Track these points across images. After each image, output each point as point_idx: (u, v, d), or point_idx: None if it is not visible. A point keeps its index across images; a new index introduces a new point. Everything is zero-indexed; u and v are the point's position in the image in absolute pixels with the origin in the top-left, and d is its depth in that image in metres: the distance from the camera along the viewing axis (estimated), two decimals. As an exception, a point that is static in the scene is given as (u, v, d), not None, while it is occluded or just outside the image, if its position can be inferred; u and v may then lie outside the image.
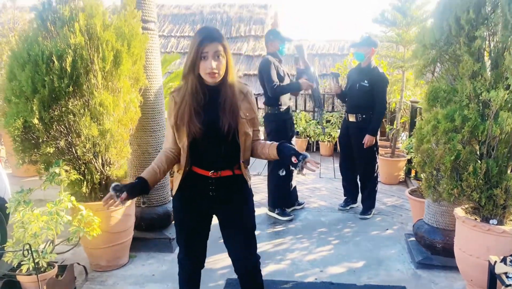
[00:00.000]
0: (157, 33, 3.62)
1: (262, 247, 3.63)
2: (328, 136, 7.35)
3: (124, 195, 1.84)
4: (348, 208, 4.60)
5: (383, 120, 5.43)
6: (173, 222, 3.00)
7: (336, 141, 7.35)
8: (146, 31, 3.35)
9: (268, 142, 2.08)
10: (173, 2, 12.67)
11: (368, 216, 4.35)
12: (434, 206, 3.25)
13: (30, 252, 2.51)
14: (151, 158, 3.41)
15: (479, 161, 2.55)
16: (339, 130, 7.12)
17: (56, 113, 2.81)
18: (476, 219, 2.68)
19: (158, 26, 3.73)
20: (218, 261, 3.23)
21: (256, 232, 3.87)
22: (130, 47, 3.03)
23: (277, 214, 4.32)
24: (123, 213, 3.11)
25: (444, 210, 3.20)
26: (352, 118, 4.32)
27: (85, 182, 3.00)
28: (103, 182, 3.10)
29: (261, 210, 4.59)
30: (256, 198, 4.99)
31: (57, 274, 2.70)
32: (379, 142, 4.54)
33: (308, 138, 7.65)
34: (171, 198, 3.28)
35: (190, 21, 11.65)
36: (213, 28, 1.93)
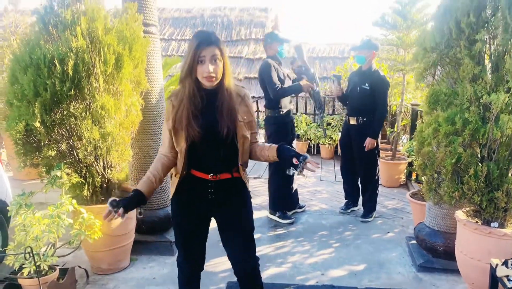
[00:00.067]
0: (158, 37, 3.63)
1: (263, 250, 3.63)
2: (329, 139, 7.35)
3: (120, 210, 1.84)
4: (349, 211, 4.60)
5: (384, 123, 5.42)
6: (173, 225, 3.00)
7: (337, 144, 7.35)
8: (147, 34, 3.36)
9: (266, 144, 2.09)
10: (174, 6, 12.70)
11: (369, 219, 4.35)
12: (435, 209, 3.25)
13: (31, 255, 2.51)
14: (152, 160, 3.40)
15: (480, 164, 2.56)
16: (339, 133, 7.16)
17: (57, 116, 2.82)
18: (477, 222, 2.68)
19: (159, 30, 3.74)
20: (219, 264, 3.23)
21: (257, 235, 3.91)
22: (132, 51, 3.04)
23: (278, 217, 4.32)
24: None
25: (445, 213, 3.20)
26: (353, 121, 4.32)
27: (86, 185, 3.00)
28: (104, 185, 3.10)
29: (262, 213, 4.59)
30: (257, 201, 5.01)
31: (58, 277, 2.70)
32: (380, 145, 4.54)
33: (309, 141, 7.66)
34: (172, 201, 3.27)
35: (191, 24, 11.68)
36: (210, 32, 1.94)
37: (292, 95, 4.34)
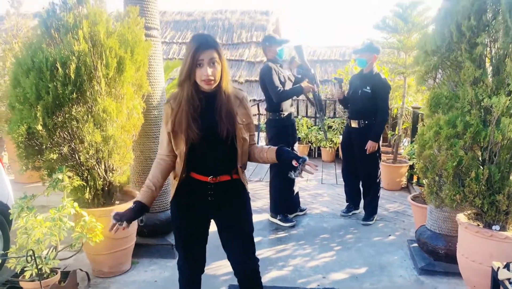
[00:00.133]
0: (160, 40, 3.65)
1: (264, 253, 3.63)
2: (330, 142, 7.35)
3: (124, 224, 1.90)
4: (350, 214, 4.60)
5: (385, 126, 5.43)
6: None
7: (337, 147, 7.35)
8: (149, 38, 3.37)
9: (265, 146, 2.11)
10: (175, 9, 12.73)
11: (370, 222, 4.35)
12: (437, 212, 3.25)
13: (33, 258, 2.51)
14: (154, 164, 3.42)
15: (481, 167, 2.56)
16: (340, 136, 7.16)
17: (59, 119, 2.83)
18: (478, 225, 2.68)
19: (160, 33, 3.76)
20: (221, 267, 3.23)
21: (258, 238, 3.91)
22: (134, 54, 3.05)
23: (279, 220, 4.32)
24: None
25: (447, 216, 3.20)
26: (354, 124, 4.32)
27: (88, 188, 3.01)
28: (106, 188, 3.11)
29: (263, 216, 4.59)
30: (258, 204, 5.01)
31: (60, 280, 2.70)
32: (381, 148, 4.54)
33: (310, 144, 7.66)
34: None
35: (192, 27, 11.71)
36: (208, 35, 1.95)
37: (294, 98, 4.34)
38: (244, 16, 12.10)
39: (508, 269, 2.20)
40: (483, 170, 2.50)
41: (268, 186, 4.48)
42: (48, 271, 2.62)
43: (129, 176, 3.28)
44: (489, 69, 2.60)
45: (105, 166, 3.03)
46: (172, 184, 2.11)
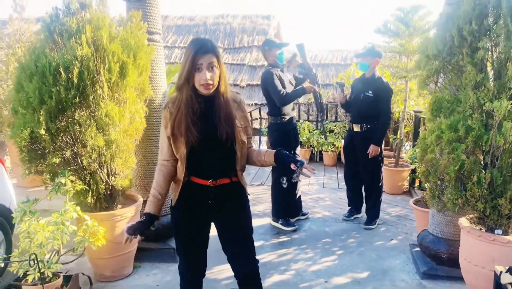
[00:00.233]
0: (162, 45, 3.67)
1: (266, 257, 3.62)
2: (332, 146, 7.36)
3: (138, 238, 1.99)
4: (352, 218, 4.60)
5: (387, 130, 5.43)
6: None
7: (339, 151, 7.35)
8: (151, 42, 3.39)
9: (263, 149, 2.13)
10: (177, 13, 12.77)
11: (372, 226, 4.34)
12: (439, 216, 3.24)
13: (36, 262, 2.52)
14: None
15: (483, 171, 2.56)
16: (342, 140, 7.17)
17: (62, 124, 2.84)
18: (481, 229, 2.68)
19: (162, 37, 3.78)
20: (222, 272, 3.23)
21: (260, 242, 3.91)
22: (136, 59, 3.07)
23: (281, 224, 4.32)
24: (128, 223, 3.12)
25: (449, 220, 3.20)
26: (356, 128, 4.33)
27: (90, 192, 3.01)
28: (108, 192, 3.11)
29: (265, 220, 4.59)
30: (259, 208, 5.01)
31: (62, 284, 2.71)
32: (383, 152, 4.54)
33: (312, 148, 7.66)
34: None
35: (193, 32, 11.75)
36: (207, 39, 1.96)
37: (295, 102, 4.35)
38: (246, 21, 12.14)
39: (511, 274, 2.20)
40: (485, 174, 2.50)
41: (270, 190, 4.48)
42: (51, 275, 2.62)
43: (131, 179, 3.29)
44: (491, 73, 2.61)
45: (107, 170, 3.04)
46: (172, 188, 2.12)
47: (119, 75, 2.96)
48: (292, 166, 1.93)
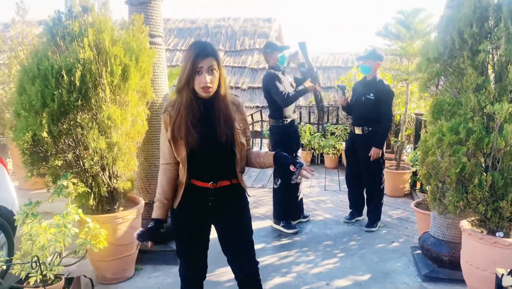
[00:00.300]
0: (164, 48, 3.68)
1: (267, 259, 3.63)
2: (333, 149, 7.36)
3: (149, 244, 2.07)
4: (353, 220, 4.60)
5: (389, 132, 5.43)
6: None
7: (340, 154, 7.36)
8: (153, 45, 3.41)
9: (262, 151, 2.15)
10: (179, 16, 12.80)
11: (373, 229, 4.34)
12: (440, 219, 3.24)
13: (38, 264, 2.52)
14: (158, 170, 3.43)
15: (484, 173, 2.56)
16: (343, 143, 7.18)
17: (64, 126, 2.85)
18: (482, 232, 2.68)
19: (164, 40, 3.79)
20: (224, 274, 3.23)
21: (261, 245, 3.91)
22: (138, 62, 3.08)
23: (282, 226, 4.32)
24: (129, 225, 3.13)
25: (450, 223, 3.20)
26: (358, 131, 4.33)
27: (92, 195, 3.02)
28: (110, 195, 3.12)
29: (266, 223, 4.59)
30: (261, 211, 5.01)
31: (64, 286, 2.71)
32: (385, 155, 4.55)
33: (313, 150, 7.67)
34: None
35: (195, 35, 11.78)
36: (207, 43, 1.98)
37: (296, 104, 4.35)
38: (247, 24, 12.16)
39: (512, 276, 2.20)
40: (486, 177, 2.51)
41: (271, 193, 4.48)
42: (52, 277, 2.62)
43: (133, 182, 3.29)
44: (492, 76, 2.62)
45: (109, 173, 3.05)
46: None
47: (121, 78, 2.98)
48: (291, 168, 1.94)
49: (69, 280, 2.79)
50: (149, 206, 3.58)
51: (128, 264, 3.27)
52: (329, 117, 8.19)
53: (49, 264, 2.63)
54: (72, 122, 2.86)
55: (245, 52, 11.17)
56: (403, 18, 5.13)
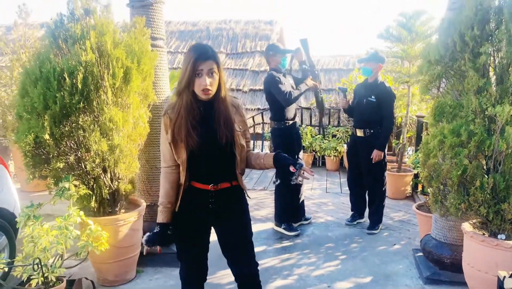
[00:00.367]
0: (165, 50, 3.69)
1: (269, 262, 3.62)
2: (334, 151, 7.36)
3: (158, 248, 2.09)
4: (355, 223, 4.59)
5: (390, 135, 5.43)
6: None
7: (342, 156, 7.36)
8: (155, 48, 3.42)
9: (261, 152, 2.16)
10: (180, 19, 12.82)
11: (375, 231, 4.34)
12: (442, 221, 3.24)
13: (39, 266, 2.53)
14: (159, 172, 3.44)
15: (486, 176, 2.56)
16: (345, 145, 7.18)
17: (66, 129, 2.86)
18: (484, 234, 2.67)
19: (166, 43, 3.81)
20: (225, 277, 3.23)
21: (263, 247, 3.91)
22: (140, 64, 3.09)
23: (284, 229, 4.32)
24: (131, 227, 3.13)
25: (452, 225, 3.19)
26: (360, 133, 4.34)
27: (94, 197, 3.03)
28: (112, 197, 3.12)
29: (267, 225, 4.59)
30: (262, 213, 5.01)
31: (66, 288, 2.71)
32: (386, 157, 4.55)
33: (314, 153, 7.67)
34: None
35: (196, 37, 11.79)
36: (207, 46, 1.99)
37: (297, 107, 4.36)
38: (248, 26, 12.17)
39: (514, 279, 2.19)
40: (488, 179, 2.50)
41: (272, 195, 4.48)
42: (54, 280, 2.63)
43: (134, 184, 3.30)
44: (493, 78, 2.62)
45: (111, 175, 3.06)
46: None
47: (123, 81, 2.99)
48: (291, 168, 1.96)
49: (70, 282, 2.80)
50: (150, 208, 3.59)
51: (130, 266, 3.27)
52: (331, 120, 8.20)
53: (51, 266, 2.64)
54: (74, 124, 2.87)
55: (246, 54, 11.17)
56: (404, 20, 5.14)
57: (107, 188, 3.05)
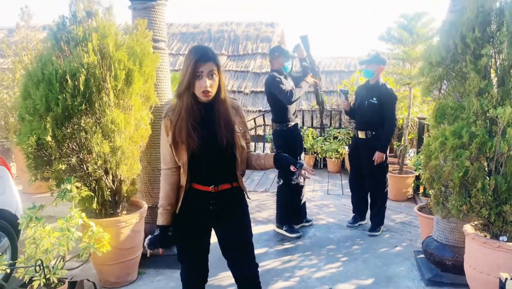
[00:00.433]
0: (167, 52, 3.70)
1: (270, 264, 3.62)
2: (336, 153, 7.36)
3: (161, 250, 2.10)
4: (356, 224, 4.59)
5: (392, 136, 5.42)
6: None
7: (343, 158, 7.35)
8: (156, 50, 3.43)
9: (262, 153, 2.17)
10: (182, 21, 12.84)
11: (376, 233, 4.33)
12: (443, 223, 3.23)
13: (41, 268, 2.53)
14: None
15: (487, 178, 2.56)
16: (346, 147, 7.18)
17: (68, 130, 2.87)
18: (485, 236, 2.67)
19: (167, 45, 3.82)
20: (226, 278, 3.22)
21: (264, 249, 3.91)
22: (142, 66, 3.10)
23: (285, 230, 4.32)
24: (132, 229, 3.14)
25: (453, 227, 3.19)
26: (361, 135, 4.34)
27: (95, 199, 3.03)
28: (114, 198, 3.13)
29: (269, 227, 4.59)
30: (264, 215, 5.01)
31: (67, 290, 2.72)
32: (388, 159, 4.55)
33: (316, 154, 7.67)
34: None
35: (198, 39, 11.80)
36: (207, 47, 2.00)
37: (299, 108, 4.36)
38: (250, 28, 12.18)
39: (516, 280, 2.19)
40: (489, 181, 2.50)
41: (274, 197, 4.48)
42: (56, 281, 2.63)
43: (136, 186, 3.30)
44: (494, 80, 2.62)
45: (113, 177, 3.06)
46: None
47: (125, 83, 2.99)
48: (292, 168, 1.97)
49: (72, 284, 2.80)
50: (152, 209, 3.59)
51: (131, 268, 3.28)
52: (332, 122, 8.20)
53: (53, 267, 2.64)
54: (76, 126, 2.87)
55: (247, 56, 11.18)
56: (405, 22, 5.14)
57: (109, 190, 3.06)
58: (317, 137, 7.73)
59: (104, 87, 2.91)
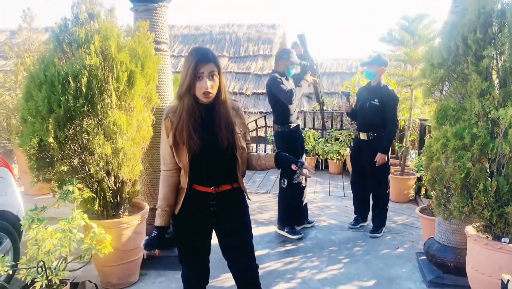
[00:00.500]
0: (169, 54, 3.71)
1: (272, 265, 3.62)
2: (337, 155, 7.36)
3: (157, 252, 2.13)
4: (358, 226, 4.59)
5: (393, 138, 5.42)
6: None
7: (345, 160, 7.35)
8: (158, 52, 3.43)
9: (262, 153, 2.17)
10: (183, 23, 12.86)
11: (378, 235, 4.33)
12: (445, 224, 3.23)
13: (43, 269, 2.53)
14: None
15: (489, 179, 2.56)
16: (348, 149, 7.18)
17: (70, 132, 2.88)
18: (487, 237, 2.67)
19: (169, 47, 3.83)
20: (228, 280, 3.22)
21: (266, 251, 3.91)
22: (144, 68, 3.11)
23: (287, 232, 4.32)
24: (134, 230, 3.14)
25: (455, 228, 3.18)
26: (363, 136, 4.34)
27: (97, 200, 3.04)
28: (115, 200, 3.13)
29: (270, 228, 4.59)
30: (265, 216, 5.01)
31: (69, 291, 2.72)
32: (390, 160, 4.55)
33: (317, 156, 7.66)
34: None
35: (199, 41, 11.82)
36: (207, 49, 2.01)
37: (300, 110, 4.37)
38: (251, 30, 12.19)
39: (518, 282, 2.18)
40: (491, 182, 2.50)
41: (275, 198, 4.48)
42: (58, 282, 2.63)
43: (138, 187, 3.31)
44: (496, 81, 2.62)
45: (114, 178, 3.07)
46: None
47: (127, 84, 3.00)
48: (293, 166, 1.97)
49: (74, 285, 2.81)
50: (153, 211, 3.57)
51: (133, 269, 3.28)
52: (333, 123, 8.20)
53: (55, 269, 2.65)
54: (78, 128, 2.88)
55: (249, 58, 11.19)
56: (407, 24, 5.14)
57: (111, 191, 3.07)
58: (319, 138, 7.73)
59: (106, 89, 2.92)
